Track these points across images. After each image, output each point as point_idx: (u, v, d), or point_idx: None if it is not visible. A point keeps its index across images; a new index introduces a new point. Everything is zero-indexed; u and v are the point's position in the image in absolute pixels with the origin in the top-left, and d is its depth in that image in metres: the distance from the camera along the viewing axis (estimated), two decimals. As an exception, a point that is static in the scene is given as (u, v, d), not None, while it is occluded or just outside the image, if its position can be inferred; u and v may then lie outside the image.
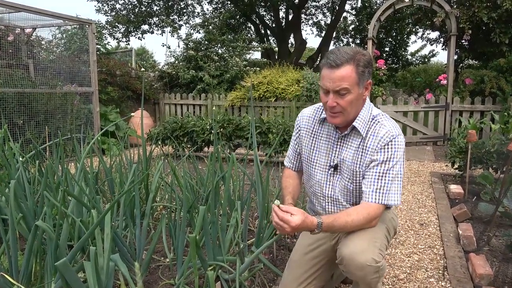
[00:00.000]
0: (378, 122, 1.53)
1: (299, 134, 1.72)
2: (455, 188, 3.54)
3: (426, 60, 15.37)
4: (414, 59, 15.37)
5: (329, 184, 1.63)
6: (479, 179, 3.33)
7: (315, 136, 1.66)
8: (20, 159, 2.21)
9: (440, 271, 2.10)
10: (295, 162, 1.78)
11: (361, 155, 1.53)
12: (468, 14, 6.08)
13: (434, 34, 10.97)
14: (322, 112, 1.65)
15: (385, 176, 1.46)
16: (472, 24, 6.14)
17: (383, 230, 1.52)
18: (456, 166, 3.99)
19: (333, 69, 1.42)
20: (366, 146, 1.52)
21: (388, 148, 1.48)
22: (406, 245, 2.46)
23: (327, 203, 1.66)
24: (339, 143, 1.59)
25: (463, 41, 7.45)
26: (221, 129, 4.82)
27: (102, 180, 2.61)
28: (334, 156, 1.60)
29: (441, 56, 36.93)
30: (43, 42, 6.28)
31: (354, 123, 1.52)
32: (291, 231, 1.38)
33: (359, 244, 1.40)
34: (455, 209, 3.01)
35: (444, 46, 9.87)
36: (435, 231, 2.69)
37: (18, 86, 4.80)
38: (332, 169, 1.61)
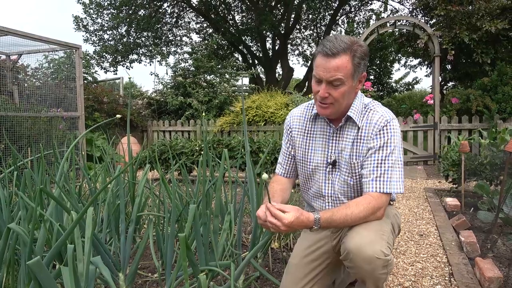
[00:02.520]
0: (370, 109, 1.47)
1: (291, 136, 1.64)
2: (451, 201, 3.47)
3: (410, 87, 15.74)
4: (398, 86, 15.73)
5: (328, 183, 1.54)
6: (475, 189, 3.27)
7: (308, 135, 1.58)
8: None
9: (446, 278, 1.98)
10: (287, 167, 1.67)
11: (357, 146, 1.45)
12: (450, 35, 6.25)
13: (416, 62, 11.29)
14: (313, 108, 1.58)
15: (384, 163, 1.38)
16: (455, 45, 6.30)
17: (389, 224, 1.42)
18: (450, 179, 3.94)
19: (329, 58, 1.35)
20: (361, 136, 1.45)
21: (383, 133, 1.41)
22: (407, 255, 2.34)
23: (327, 204, 1.56)
24: (334, 137, 1.51)
25: (447, 64, 7.64)
26: (211, 150, 4.72)
27: (85, 192, 2.48)
28: (331, 152, 1.51)
29: (425, 83, 37.96)
30: (28, 69, 6.21)
31: (348, 113, 1.45)
32: (286, 230, 1.27)
33: (365, 235, 1.29)
34: (453, 220, 2.92)
35: (428, 73, 10.14)
36: (436, 241, 2.59)
37: (1, 110, 4.67)
38: (330, 166, 1.52)
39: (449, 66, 7.90)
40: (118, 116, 1.73)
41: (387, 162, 1.39)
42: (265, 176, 1.17)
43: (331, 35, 1.43)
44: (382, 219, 1.39)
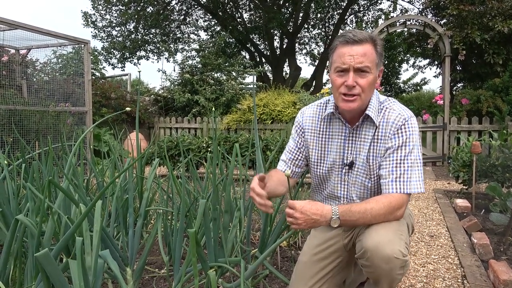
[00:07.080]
0: (386, 108, 1.43)
1: (304, 137, 1.58)
2: (461, 202, 3.41)
3: (418, 88, 15.60)
4: (406, 86, 15.60)
5: (344, 184, 1.50)
6: (487, 191, 3.22)
7: (323, 135, 1.53)
8: (5, 162, 2.05)
9: (459, 280, 1.94)
10: (292, 166, 1.60)
11: (375, 147, 1.41)
12: (461, 35, 6.17)
13: (425, 62, 11.20)
14: (326, 107, 1.53)
15: (404, 163, 1.35)
16: (466, 45, 6.22)
17: (405, 225, 1.39)
18: (460, 180, 3.88)
19: (354, 45, 1.32)
20: (378, 136, 1.40)
21: (402, 132, 1.37)
22: (418, 256, 2.30)
23: None
24: (351, 138, 1.46)
25: (457, 64, 7.54)
26: (219, 146, 4.69)
27: (92, 186, 2.46)
28: (348, 153, 1.47)
29: (433, 84, 37.70)
30: (37, 64, 6.23)
31: (366, 111, 1.40)
32: (300, 217, 1.24)
33: (384, 234, 1.25)
34: (464, 221, 2.87)
35: (436, 74, 10.04)
36: (447, 242, 2.54)
37: (10, 103, 4.69)
38: (347, 167, 1.48)
39: (460, 66, 7.81)
40: (128, 108, 1.71)
41: (406, 162, 1.35)
42: (287, 172, 1.19)
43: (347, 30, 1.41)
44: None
